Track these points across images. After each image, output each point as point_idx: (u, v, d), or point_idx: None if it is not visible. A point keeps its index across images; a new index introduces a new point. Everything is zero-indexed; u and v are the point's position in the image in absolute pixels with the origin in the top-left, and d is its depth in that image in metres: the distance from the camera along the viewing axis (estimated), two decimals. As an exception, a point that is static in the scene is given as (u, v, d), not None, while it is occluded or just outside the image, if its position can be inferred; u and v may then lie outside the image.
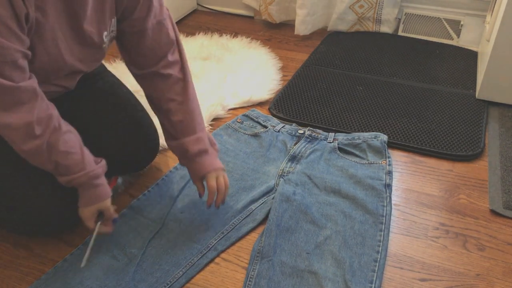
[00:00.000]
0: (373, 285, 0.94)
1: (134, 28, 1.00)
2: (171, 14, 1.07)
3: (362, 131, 1.43)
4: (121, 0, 0.97)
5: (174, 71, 1.05)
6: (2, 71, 0.78)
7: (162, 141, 1.29)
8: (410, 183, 1.26)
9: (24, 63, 0.82)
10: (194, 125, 1.06)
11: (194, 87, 1.10)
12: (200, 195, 1.10)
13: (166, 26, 1.03)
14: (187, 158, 1.07)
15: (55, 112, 0.90)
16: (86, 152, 0.96)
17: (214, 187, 1.05)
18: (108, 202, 0.99)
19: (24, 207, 0.99)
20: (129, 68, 1.10)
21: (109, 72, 1.25)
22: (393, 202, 1.18)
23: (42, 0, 0.83)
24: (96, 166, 0.96)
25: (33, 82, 0.85)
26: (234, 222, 1.09)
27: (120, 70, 1.69)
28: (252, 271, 0.98)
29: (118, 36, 1.04)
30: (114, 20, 0.99)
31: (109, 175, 1.23)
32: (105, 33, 0.99)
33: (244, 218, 1.11)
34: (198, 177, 1.07)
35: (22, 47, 0.81)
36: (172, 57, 1.05)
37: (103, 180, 0.98)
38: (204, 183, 1.08)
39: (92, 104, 1.15)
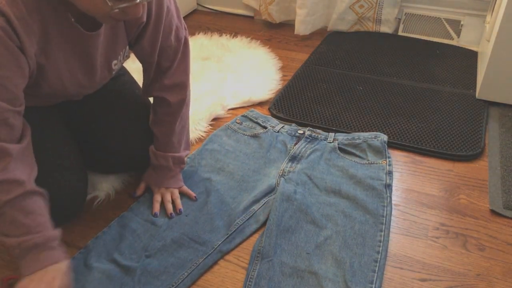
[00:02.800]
0: (374, 285, 0.94)
1: (145, 57, 1.05)
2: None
3: (362, 131, 1.43)
4: (130, 28, 0.98)
5: (163, 95, 1.11)
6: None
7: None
8: (410, 183, 1.26)
9: (15, 121, 0.80)
10: (169, 145, 1.15)
11: (188, 107, 1.17)
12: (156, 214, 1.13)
13: (168, 52, 1.06)
14: (152, 164, 1.16)
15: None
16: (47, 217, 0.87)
17: (157, 199, 1.15)
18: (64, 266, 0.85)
19: None
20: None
21: (124, 69, 1.25)
22: (393, 202, 1.18)
23: (47, 46, 0.82)
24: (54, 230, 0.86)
25: (21, 146, 0.81)
26: (238, 223, 1.09)
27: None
28: (252, 271, 0.98)
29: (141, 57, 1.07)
30: (126, 48, 1.01)
31: (113, 170, 1.24)
32: (115, 61, 1.00)
33: (247, 219, 1.10)
34: (158, 186, 1.16)
35: (16, 105, 0.80)
36: (169, 81, 1.09)
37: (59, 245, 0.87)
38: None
39: (99, 104, 1.15)
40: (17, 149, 0.81)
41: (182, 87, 1.12)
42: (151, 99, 1.19)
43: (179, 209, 1.13)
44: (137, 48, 1.04)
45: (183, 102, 1.13)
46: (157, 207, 1.13)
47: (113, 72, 1.05)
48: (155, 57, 1.05)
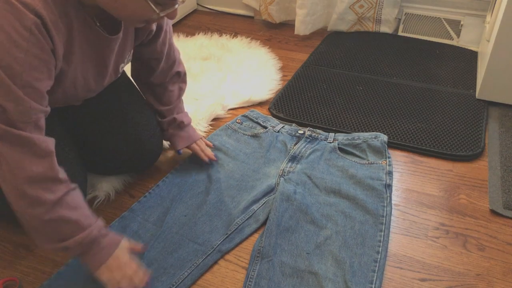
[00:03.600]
0: (373, 285, 0.94)
1: (155, 55, 1.13)
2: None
3: (362, 131, 1.43)
4: (137, 34, 1.01)
5: (175, 86, 1.24)
6: (24, 129, 0.77)
7: (164, 141, 1.30)
8: (410, 183, 1.26)
9: (43, 123, 0.82)
10: (182, 106, 1.28)
11: (185, 70, 1.27)
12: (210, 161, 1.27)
13: (172, 48, 1.18)
14: (180, 128, 1.25)
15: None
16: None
17: (198, 148, 1.27)
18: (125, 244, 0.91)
19: None
20: (132, 78, 1.21)
21: (123, 73, 1.26)
22: (393, 202, 1.18)
23: (70, 50, 0.83)
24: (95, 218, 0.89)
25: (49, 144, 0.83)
26: (237, 223, 1.09)
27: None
28: (252, 271, 0.98)
29: (135, 59, 1.13)
30: (132, 51, 1.04)
31: (111, 173, 1.24)
32: (122, 64, 1.03)
33: (246, 219, 1.10)
34: (185, 144, 1.26)
35: (45, 106, 0.81)
36: (174, 70, 1.21)
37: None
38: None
39: (97, 105, 1.15)
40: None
41: (180, 59, 1.26)
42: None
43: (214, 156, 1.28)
44: (149, 50, 1.10)
45: (184, 69, 1.28)
46: (205, 158, 1.26)
47: (118, 75, 1.06)
48: (164, 54, 1.14)
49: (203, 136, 1.36)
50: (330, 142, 1.33)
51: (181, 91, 1.27)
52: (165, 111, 1.23)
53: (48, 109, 0.83)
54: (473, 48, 1.97)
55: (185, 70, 1.27)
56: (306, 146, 1.32)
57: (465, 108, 1.56)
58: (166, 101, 1.23)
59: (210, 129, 1.48)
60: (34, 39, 0.72)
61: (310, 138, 1.36)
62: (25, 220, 0.83)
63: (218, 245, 1.04)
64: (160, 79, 1.20)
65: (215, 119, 1.53)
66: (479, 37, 1.97)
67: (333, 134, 1.37)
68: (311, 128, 1.39)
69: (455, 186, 1.25)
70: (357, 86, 1.70)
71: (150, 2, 0.77)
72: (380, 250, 1.01)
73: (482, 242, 1.08)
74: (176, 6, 0.81)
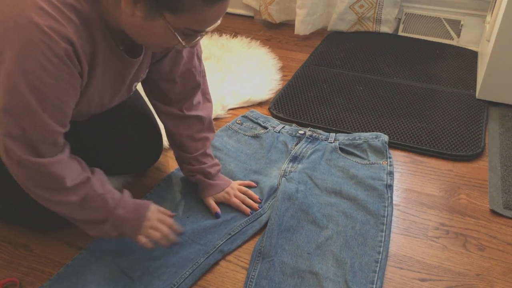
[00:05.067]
0: (374, 286, 0.94)
1: (163, 76, 1.06)
2: (200, 49, 1.11)
3: (362, 131, 1.43)
4: (154, 54, 1.00)
5: (196, 112, 1.12)
6: (43, 148, 0.80)
7: (164, 141, 1.30)
8: (410, 183, 1.26)
9: (61, 141, 0.84)
10: (208, 153, 1.15)
11: (211, 116, 1.16)
12: (218, 214, 1.12)
13: (194, 72, 1.08)
14: (205, 178, 1.13)
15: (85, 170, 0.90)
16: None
17: (236, 201, 1.14)
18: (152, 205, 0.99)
19: (22, 201, 0.99)
20: (151, 102, 1.13)
21: None
22: (393, 202, 1.18)
23: (92, 71, 0.83)
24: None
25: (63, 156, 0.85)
26: (241, 225, 1.09)
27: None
28: (253, 271, 0.98)
29: (145, 80, 1.07)
30: (146, 71, 1.02)
31: (111, 174, 1.24)
32: (136, 83, 1.02)
33: (251, 222, 1.10)
34: (215, 197, 1.14)
35: (66, 125, 0.83)
36: (196, 99, 1.11)
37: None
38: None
39: (101, 114, 1.15)
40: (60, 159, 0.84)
41: (209, 99, 1.17)
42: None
43: (259, 198, 1.15)
44: (157, 67, 1.04)
45: (211, 114, 1.16)
46: (247, 208, 1.13)
47: (131, 94, 1.05)
48: (176, 75, 1.06)
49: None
50: (331, 142, 1.33)
51: (207, 141, 1.15)
52: (189, 159, 1.14)
53: (68, 127, 0.84)
54: (473, 48, 1.98)
55: (209, 116, 1.15)
56: (307, 146, 1.32)
57: (465, 108, 1.56)
58: (188, 149, 1.13)
59: (210, 129, 1.48)
60: (65, 66, 0.74)
61: (311, 138, 1.36)
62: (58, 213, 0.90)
63: (220, 246, 1.04)
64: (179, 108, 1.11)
65: (215, 119, 1.53)
66: (479, 37, 1.97)
67: (334, 134, 1.37)
68: (311, 128, 1.39)
69: (455, 186, 1.25)
70: (357, 86, 1.70)
71: (177, 34, 0.76)
72: (381, 251, 1.01)
73: (482, 242, 1.08)
74: (200, 37, 0.81)
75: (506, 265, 1.02)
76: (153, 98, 1.11)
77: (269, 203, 1.15)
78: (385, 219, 1.09)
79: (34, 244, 1.07)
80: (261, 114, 1.48)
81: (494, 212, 1.16)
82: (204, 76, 1.13)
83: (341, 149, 1.31)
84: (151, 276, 0.97)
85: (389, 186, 1.17)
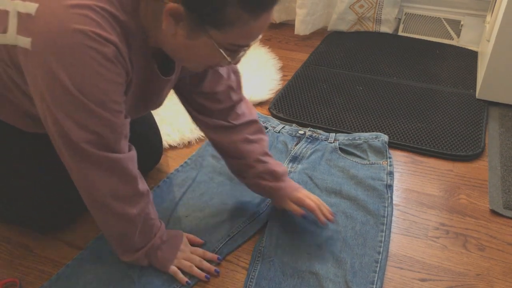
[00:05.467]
0: (374, 286, 0.94)
1: (204, 95, 1.01)
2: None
3: (362, 131, 1.43)
4: (184, 70, 0.97)
5: (245, 119, 1.05)
6: (118, 145, 0.80)
7: (164, 141, 1.30)
8: (410, 183, 1.26)
9: (128, 131, 0.84)
10: (269, 153, 1.06)
11: (258, 120, 1.09)
12: (304, 215, 1.04)
13: (233, 88, 1.05)
14: (277, 179, 1.03)
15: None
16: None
17: (313, 203, 1.02)
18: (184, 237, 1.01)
19: (22, 201, 1.00)
20: (188, 111, 1.07)
21: None
22: (393, 202, 1.18)
23: (129, 82, 0.82)
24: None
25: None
26: (241, 225, 1.09)
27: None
28: (253, 271, 0.98)
29: (181, 92, 1.03)
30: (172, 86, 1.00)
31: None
32: (162, 99, 0.99)
33: (250, 222, 1.10)
34: (290, 197, 1.04)
35: (128, 117, 0.83)
36: (240, 109, 1.05)
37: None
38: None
39: None
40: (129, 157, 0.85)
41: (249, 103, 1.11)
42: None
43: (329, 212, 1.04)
44: (196, 86, 1.01)
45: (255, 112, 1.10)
46: (320, 215, 1.02)
47: (157, 108, 1.03)
48: (218, 94, 1.02)
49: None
50: (331, 143, 1.33)
51: (263, 142, 1.07)
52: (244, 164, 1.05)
53: (129, 117, 0.84)
54: (473, 48, 1.97)
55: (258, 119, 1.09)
56: (307, 147, 1.32)
57: (465, 108, 1.56)
58: (246, 154, 1.04)
59: (210, 129, 1.48)
60: (115, 67, 0.74)
61: (311, 138, 1.36)
62: (104, 230, 0.91)
63: (220, 247, 1.04)
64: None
65: (215, 119, 1.53)
66: (479, 37, 1.97)
67: (334, 134, 1.37)
68: (311, 129, 1.39)
69: (455, 186, 1.25)
70: (357, 86, 1.70)
71: (222, 51, 0.74)
72: (381, 251, 1.01)
73: (482, 242, 1.08)
74: (244, 52, 0.79)
75: (506, 265, 1.02)
76: (193, 111, 1.05)
77: (267, 203, 1.14)
78: (385, 219, 1.09)
79: (34, 244, 1.07)
80: (261, 114, 1.48)
81: (494, 212, 1.16)
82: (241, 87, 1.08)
83: (341, 149, 1.31)
84: (151, 276, 0.97)
85: (389, 186, 1.17)
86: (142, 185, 0.89)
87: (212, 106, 1.02)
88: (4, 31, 0.73)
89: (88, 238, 1.07)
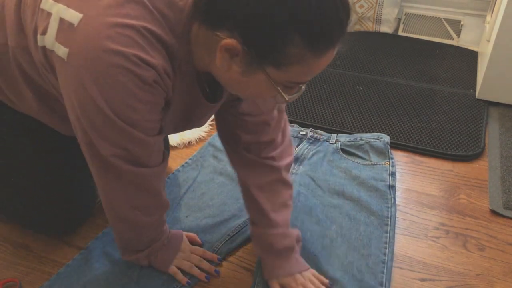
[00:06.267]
0: (384, 287, 0.94)
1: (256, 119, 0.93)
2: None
3: (363, 131, 1.43)
4: (235, 100, 0.89)
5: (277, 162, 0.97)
6: (149, 161, 0.79)
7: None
8: (410, 183, 1.26)
9: (161, 143, 0.82)
10: (285, 218, 0.95)
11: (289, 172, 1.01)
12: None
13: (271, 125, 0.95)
14: (268, 252, 0.94)
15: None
16: None
17: None
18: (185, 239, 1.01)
19: (33, 205, 0.99)
20: (229, 151, 0.99)
21: None
22: (393, 202, 1.18)
23: (170, 102, 0.79)
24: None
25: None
26: (240, 225, 1.09)
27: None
28: (259, 276, 0.97)
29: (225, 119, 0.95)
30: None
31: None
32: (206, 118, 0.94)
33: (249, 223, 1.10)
34: (277, 277, 0.93)
35: (162, 133, 0.80)
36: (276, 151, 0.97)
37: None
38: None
39: None
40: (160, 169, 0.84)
41: (290, 146, 1.01)
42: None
43: None
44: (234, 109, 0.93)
45: (291, 164, 1.00)
46: None
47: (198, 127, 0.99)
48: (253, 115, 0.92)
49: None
50: (333, 143, 1.33)
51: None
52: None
53: (164, 133, 0.81)
54: (473, 48, 1.98)
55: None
56: (309, 148, 1.32)
57: (465, 108, 1.56)
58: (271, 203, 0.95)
59: (211, 129, 1.48)
60: (153, 90, 0.70)
61: (312, 139, 1.36)
62: (114, 230, 0.91)
63: (220, 247, 1.04)
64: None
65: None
66: (479, 37, 1.97)
67: (335, 135, 1.37)
68: (313, 129, 1.39)
69: (455, 186, 1.25)
70: (357, 86, 1.70)
71: (280, 89, 0.68)
72: (387, 252, 1.01)
73: (482, 242, 1.08)
74: (302, 89, 0.73)
75: (506, 265, 1.02)
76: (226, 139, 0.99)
77: None
78: (389, 220, 1.09)
79: (34, 244, 1.07)
80: (261, 114, 1.48)
81: (494, 212, 1.16)
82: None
83: (343, 150, 1.31)
84: (151, 277, 0.97)
85: (392, 187, 1.17)
86: (163, 198, 0.88)
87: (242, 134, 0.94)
88: (44, 32, 0.70)
89: (88, 238, 1.07)
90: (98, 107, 0.68)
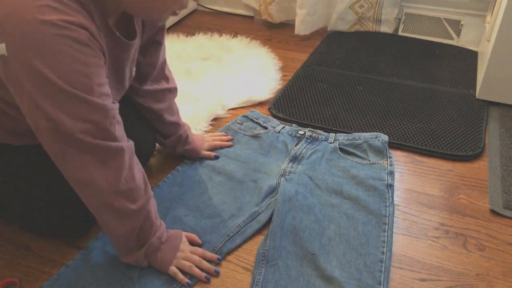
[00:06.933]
0: (382, 287, 0.94)
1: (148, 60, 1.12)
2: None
3: (362, 131, 1.43)
4: (147, 32, 1.04)
5: (170, 85, 1.21)
6: (114, 131, 0.82)
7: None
8: (410, 183, 1.26)
9: (119, 117, 0.86)
10: (180, 120, 1.25)
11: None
12: (216, 157, 1.30)
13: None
14: (188, 142, 1.26)
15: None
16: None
17: (217, 140, 1.34)
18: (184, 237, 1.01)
19: (39, 209, 1.00)
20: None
21: None
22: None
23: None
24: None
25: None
26: (240, 225, 1.09)
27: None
28: (258, 275, 0.97)
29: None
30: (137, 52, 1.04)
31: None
32: (134, 68, 1.03)
33: (249, 222, 1.10)
34: (203, 148, 1.29)
35: (116, 102, 0.85)
36: (168, 71, 1.20)
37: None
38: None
39: None
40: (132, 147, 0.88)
41: (169, 71, 1.23)
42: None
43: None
44: (152, 54, 1.11)
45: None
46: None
47: (131, 81, 1.06)
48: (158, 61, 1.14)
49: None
50: (331, 143, 1.33)
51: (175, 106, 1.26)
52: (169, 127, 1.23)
53: (116, 102, 0.85)
54: (473, 48, 1.98)
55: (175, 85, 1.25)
56: (307, 147, 1.32)
57: (465, 108, 1.56)
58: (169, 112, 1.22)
59: (210, 129, 1.48)
60: (92, 50, 0.76)
61: (311, 138, 1.36)
62: (106, 232, 0.92)
63: (219, 247, 1.04)
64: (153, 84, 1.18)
65: (215, 119, 1.53)
66: (479, 37, 1.97)
67: (334, 134, 1.37)
68: (311, 129, 1.39)
69: (455, 186, 1.25)
70: (357, 86, 1.70)
71: None
72: (385, 251, 1.01)
73: (482, 242, 1.08)
74: None
75: (506, 265, 1.02)
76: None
77: (266, 202, 1.14)
78: (387, 219, 1.09)
79: (34, 244, 1.07)
80: (261, 114, 1.48)
81: (494, 212, 1.16)
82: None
83: (341, 149, 1.31)
84: (150, 277, 0.97)
85: (390, 186, 1.17)
86: (143, 181, 0.89)
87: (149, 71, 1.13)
88: None
89: (88, 238, 1.07)
90: (50, 80, 0.72)
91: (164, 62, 1.19)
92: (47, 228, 1.04)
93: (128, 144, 0.86)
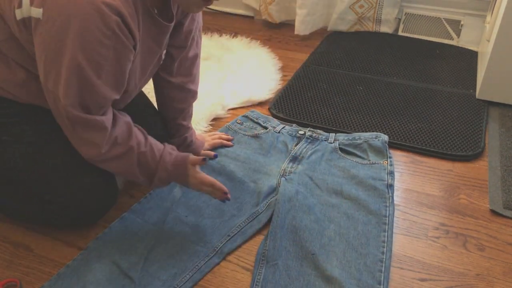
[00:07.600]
0: (382, 286, 0.94)
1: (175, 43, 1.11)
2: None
3: (362, 131, 1.43)
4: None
5: (194, 87, 1.22)
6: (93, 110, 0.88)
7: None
8: (410, 183, 1.26)
9: (109, 108, 0.92)
10: (190, 124, 1.28)
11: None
12: (215, 156, 1.29)
13: (199, 43, 1.18)
14: (191, 144, 1.26)
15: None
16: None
17: (217, 139, 1.35)
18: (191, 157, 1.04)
19: (61, 199, 1.00)
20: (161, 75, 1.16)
21: None
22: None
23: (139, 37, 0.89)
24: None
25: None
26: (240, 225, 1.09)
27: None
28: (258, 275, 0.97)
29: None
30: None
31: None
32: (164, 51, 1.06)
33: (250, 222, 1.10)
34: (203, 148, 1.30)
35: (118, 95, 0.91)
36: (196, 70, 1.21)
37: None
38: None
39: None
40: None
41: (198, 77, 1.24)
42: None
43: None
44: (177, 34, 1.10)
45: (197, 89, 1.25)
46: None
47: (159, 65, 1.10)
48: (188, 42, 1.13)
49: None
50: (331, 143, 1.33)
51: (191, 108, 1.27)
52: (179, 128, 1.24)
53: (119, 96, 0.91)
54: (473, 48, 1.98)
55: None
56: (307, 147, 1.32)
57: (465, 108, 1.56)
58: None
59: (210, 129, 1.48)
60: (117, 37, 0.81)
61: (311, 138, 1.36)
62: (118, 170, 0.98)
63: (220, 247, 1.04)
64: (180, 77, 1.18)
65: (215, 119, 1.53)
66: (479, 37, 1.97)
67: (334, 134, 1.37)
68: (311, 129, 1.39)
69: (455, 186, 1.25)
70: (357, 86, 1.70)
71: None
72: (385, 251, 1.01)
73: (482, 242, 1.08)
74: None
75: (506, 265, 1.02)
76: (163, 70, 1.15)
77: (266, 202, 1.14)
78: (387, 218, 1.09)
79: (34, 244, 1.07)
80: (261, 114, 1.48)
81: (494, 212, 1.16)
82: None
83: (341, 149, 1.31)
84: (151, 277, 0.97)
85: (390, 186, 1.17)
86: (126, 130, 0.95)
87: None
88: (20, 5, 0.80)
89: (88, 238, 1.07)
90: (70, 53, 0.79)
91: (195, 57, 1.18)
92: (66, 211, 1.03)
93: (108, 117, 0.91)
